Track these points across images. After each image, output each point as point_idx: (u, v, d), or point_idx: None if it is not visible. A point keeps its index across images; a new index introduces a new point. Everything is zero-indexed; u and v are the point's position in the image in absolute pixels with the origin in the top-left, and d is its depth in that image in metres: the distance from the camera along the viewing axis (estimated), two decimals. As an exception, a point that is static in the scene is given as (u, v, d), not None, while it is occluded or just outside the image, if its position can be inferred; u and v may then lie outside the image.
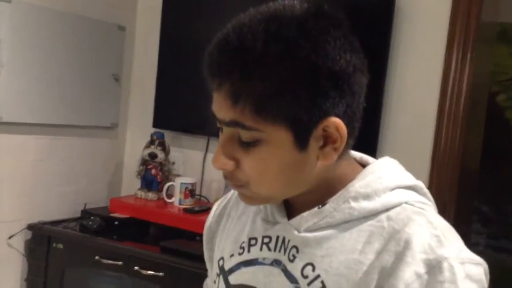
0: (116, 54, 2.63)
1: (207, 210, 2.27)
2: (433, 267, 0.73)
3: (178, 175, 2.53)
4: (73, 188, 2.49)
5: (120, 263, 2.14)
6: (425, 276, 0.72)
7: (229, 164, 0.77)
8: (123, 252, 2.16)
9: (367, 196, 0.80)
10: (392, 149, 2.17)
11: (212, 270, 0.98)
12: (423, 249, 0.74)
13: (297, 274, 0.81)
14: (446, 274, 0.72)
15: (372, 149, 2.12)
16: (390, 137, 2.22)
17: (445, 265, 0.73)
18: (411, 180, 0.84)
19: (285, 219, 0.85)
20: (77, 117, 2.46)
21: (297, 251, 0.82)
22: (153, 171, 2.48)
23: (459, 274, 0.73)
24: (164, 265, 2.08)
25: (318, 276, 0.79)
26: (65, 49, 2.35)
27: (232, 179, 0.79)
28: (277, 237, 0.85)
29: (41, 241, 2.27)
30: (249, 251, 0.87)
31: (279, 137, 0.75)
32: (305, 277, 0.80)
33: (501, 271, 3.05)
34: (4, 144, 2.19)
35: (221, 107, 0.76)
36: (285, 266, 0.82)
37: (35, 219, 2.31)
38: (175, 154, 2.58)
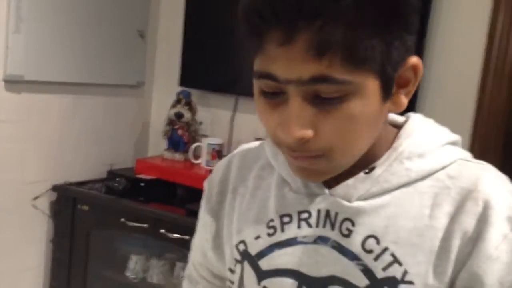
0: (142, 9, 2.52)
1: (234, 171, 2.19)
2: None
3: (205, 136, 2.45)
4: (98, 148, 2.44)
5: (145, 225, 2.09)
6: (510, 235, 0.68)
7: (309, 132, 0.65)
8: (149, 214, 2.11)
9: (421, 155, 0.72)
10: (431, 109, 2.03)
11: (220, 258, 0.86)
12: (504, 207, 0.69)
13: (357, 249, 0.71)
14: None
15: (410, 109, 1.98)
16: (429, 96, 2.08)
17: None
18: (453, 135, 0.77)
19: (326, 190, 0.74)
20: (101, 75, 2.38)
21: (353, 224, 0.72)
22: (179, 131, 2.40)
23: None
24: (190, 228, 2.01)
25: (386, 249, 0.70)
26: (88, 4, 2.26)
27: (308, 150, 0.67)
28: (319, 211, 0.74)
29: (66, 203, 2.24)
30: (282, 230, 0.76)
31: (368, 88, 0.64)
32: (369, 251, 0.70)
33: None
34: (27, 103, 2.13)
35: (296, 63, 0.63)
36: (337, 243, 0.72)
37: (60, 180, 2.27)
38: (202, 113, 2.49)
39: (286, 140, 0.66)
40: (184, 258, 2.21)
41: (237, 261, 0.80)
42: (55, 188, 2.25)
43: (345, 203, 0.72)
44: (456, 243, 0.68)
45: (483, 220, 0.68)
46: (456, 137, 0.77)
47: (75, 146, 2.34)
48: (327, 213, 0.73)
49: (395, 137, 0.74)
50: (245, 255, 0.79)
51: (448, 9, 2.06)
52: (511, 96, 1.96)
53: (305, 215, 0.75)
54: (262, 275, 0.76)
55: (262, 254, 0.77)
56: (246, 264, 0.78)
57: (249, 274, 0.78)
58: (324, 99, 0.64)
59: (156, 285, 2.20)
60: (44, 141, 2.22)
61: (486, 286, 0.67)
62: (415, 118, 0.77)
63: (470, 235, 0.68)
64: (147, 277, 2.22)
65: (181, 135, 2.41)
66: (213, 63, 2.43)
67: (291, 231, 0.75)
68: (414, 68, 0.69)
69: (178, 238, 2.03)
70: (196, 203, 2.33)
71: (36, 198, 2.22)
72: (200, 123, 2.49)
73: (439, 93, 2.08)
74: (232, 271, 0.81)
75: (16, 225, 2.17)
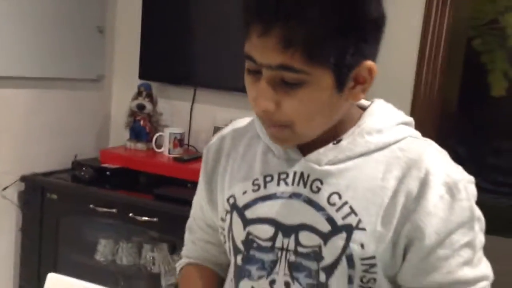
0: (100, 6, 2.62)
1: (196, 158, 2.34)
2: (451, 189, 0.85)
3: (166, 126, 2.58)
4: (63, 140, 2.53)
5: (114, 210, 2.21)
6: (446, 196, 0.85)
7: (271, 106, 0.83)
8: (117, 200, 2.23)
9: (379, 131, 0.91)
10: (374, 93, 2.23)
11: (214, 211, 1.04)
12: (442, 174, 0.86)
13: (323, 202, 0.89)
14: (463, 193, 0.86)
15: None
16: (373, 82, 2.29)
17: (460, 186, 0.86)
18: (407, 117, 0.96)
19: (301, 156, 0.93)
20: (63, 70, 2.47)
21: (321, 183, 0.90)
22: (141, 122, 2.52)
23: (469, 193, 0.87)
24: (158, 211, 2.16)
25: (345, 203, 0.88)
26: (48, 1, 2.34)
27: (272, 120, 0.85)
28: (295, 173, 0.92)
29: (35, 192, 2.33)
30: (265, 187, 0.94)
31: (322, 80, 0.81)
32: (332, 204, 0.88)
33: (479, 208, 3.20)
34: (-7, 98, 2.21)
35: (268, 52, 0.81)
36: (308, 198, 0.90)
37: (27, 171, 2.36)
38: (162, 105, 2.62)
39: (256, 110, 0.86)
40: (150, 240, 2.36)
41: (227, 211, 0.98)
42: (23, 178, 2.34)
43: (316, 166, 0.91)
44: (401, 200, 0.86)
45: (424, 184, 0.85)
46: (409, 119, 0.97)
47: (40, 138, 2.43)
48: (301, 174, 0.92)
49: (360, 117, 0.93)
50: (234, 207, 0.97)
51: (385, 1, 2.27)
52: (444, 84, 2.19)
53: (283, 176, 0.93)
54: (247, 222, 0.95)
55: (247, 205, 0.95)
56: (235, 214, 0.97)
57: (237, 222, 0.96)
58: (287, 83, 0.82)
59: (125, 266, 2.32)
60: (10, 134, 2.30)
61: (425, 235, 0.85)
62: (377, 102, 0.96)
63: (413, 195, 0.85)
64: (116, 259, 2.34)
65: (143, 125, 2.53)
66: (172, 56, 2.56)
67: (272, 188, 0.94)
68: (370, 70, 0.85)
69: (146, 221, 2.16)
70: (162, 188, 2.47)
71: (4, 188, 2.29)
72: (161, 114, 2.61)
73: (380, 78, 2.28)
74: (223, 219, 1.00)
75: (-14, 215, 2.25)
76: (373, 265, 0.87)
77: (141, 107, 2.49)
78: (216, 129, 2.49)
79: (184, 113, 2.62)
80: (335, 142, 0.91)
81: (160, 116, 2.60)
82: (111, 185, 2.34)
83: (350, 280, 0.89)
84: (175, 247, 2.29)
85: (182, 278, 1.12)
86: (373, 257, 0.87)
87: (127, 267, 2.32)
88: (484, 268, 0.89)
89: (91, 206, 2.23)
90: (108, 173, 2.38)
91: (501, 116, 3.22)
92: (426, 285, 0.87)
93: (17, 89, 2.29)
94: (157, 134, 2.48)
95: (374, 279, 0.88)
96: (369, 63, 0.85)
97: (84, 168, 2.37)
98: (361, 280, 0.89)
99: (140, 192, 2.34)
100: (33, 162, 2.39)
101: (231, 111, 2.47)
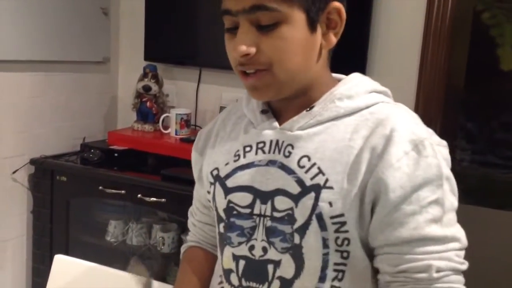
0: (103, -12, 2.62)
1: (203, 138, 2.35)
2: (417, 145, 0.87)
3: (173, 107, 2.59)
4: (70, 123, 2.55)
5: (123, 191, 2.23)
6: (412, 153, 0.86)
7: (251, 49, 0.88)
8: (125, 181, 2.25)
9: (350, 97, 0.94)
10: (380, 70, 2.23)
11: (203, 187, 1.08)
12: (408, 132, 0.88)
13: (293, 166, 0.92)
14: (429, 150, 0.87)
15: (361, 71, 2.17)
16: (378, 59, 2.27)
17: (426, 143, 0.87)
18: (381, 87, 0.98)
19: (277, 124, 0.96)
20: (68, 53, 2.48)
21: (292, 148, 0.93)
22: (148, 104, 2.53)
23: (436, 151, 0.88)
24: (166, 191, 2.18)
25: (314, 164, 0.91)
26: (52, -16, 2.35)
27: (253, 64, 0.89)
28: (271, 141, 0.96)
29: (44, 175, 2.35)
30: (244, 156, 0.98)
31: (295, 17, 0.87)
32: (302, 167, 0.92)
33: (487, 183, 3.19)
34: (0, 82, 2.22)
35: None
36: (281, 163, 0.93)
37: (36, 154, 2.38)
38: (168, 86, 2.63)
39: (236, 55, 0.89)
40: (160, 221, 2.38)
41: (211, 183, 1.02)
42: (33, 161, 2.36)
43: (288, 132, 0.95)
44: (366, 156, 0.88)
45: (388, 140, 0.87)
46: (383, 89, 0.98)
47: (48, 121, 2.45)
48: (277, 142, 0.95)
49: (333, 86, 0.96)
50: (216, 178, 1.01)
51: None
52: (450, 53, 2.17)
53: (261, 145, 0.97)
54: (227, 191, 0.99)
55: (228, 175, 0.99)
56: (217, 184, 1.01)
57: (219, 191, 1.00)
58: (262, 26, 0.87)
59: (135, 247, 2.35)
60: (19, 117, 2.32)
61: (389, 189, 0.86)
62: (354, 74, 0.99)
63: (378, 151, 0.87)
64: (127, 239, 2.37)
65: (149, 107, 2.54)
66: (176, 37, 2.56)
67: (250, 157, 0.97)
68: (338, 12, 0.90)
69: (154, 202, 2.19)
70: (169, 169, 2.49)
71: (14, 172, 2.32)
72: (167, 95, 2.62)
73: (387, 54, 2.28)
74: (209, 192, 1.04)
75: (-3, 198, 2.28)
76: (343, 223, 0.89)
77: (147, 89, 2.50)
78: (222, 109, 2.49)
79: (190, 93, 2.62)
80: (308, 109, 0.94)
81: (166, 97, 2.61)
82: (119, 167, 2.36)
83: (325, 244, 0.90)
84: (185, 227, 2.31)
85: (182, 261, 1.17)
86: (341, 215, 0.89)
87: (137, 247, 2.35)
88: (455, 230, 0.89)
89: (100, 187, 2.26)
90: (116, 154, 2.40)
91: (510, 90, 3.19)
92: (393, 241, 0.87)
93: (24, 72, 2.30)
94: (164, 115, 2.49)
95: (348, 240, 0.90)
96: (336, 3, 0.90)
97: (92, 150, 2.39)
98: (336, 243, 0.90)
99: (148, 173, 2.36)
100: (42, 145, 2.41)
101: (237, 90, 2.47)
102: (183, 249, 1.19)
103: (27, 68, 2.31)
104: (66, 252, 2.33)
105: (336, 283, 0.91)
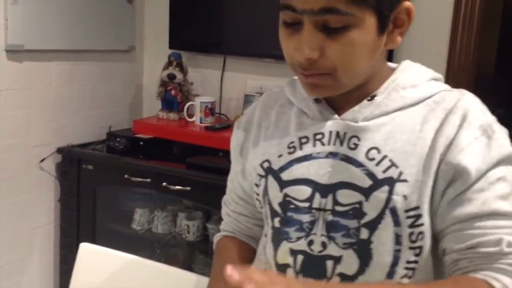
0: (127, -24, 2.62)
1: (227, 127, 2.34)
2: (486, 130, 0.86)
3: (197, 95, 2.59)
4: (96, 111, 2.57)
5: (148, 180, 2.24)
6: (482, 138, 0.86)
7: (315, 53, 0.83)
8: (151, 169, 2.26)
9: (414, 86, 0.91)
10: (408, 54, 2.18)
11: (246, 180, 1.04)
12: (477, 118, 0.88)
13: (361, 158, 0.89)
14: (498, 133, 0.87)
15: (388, 56, 2.13)
16: (406, 46, 2.22)
17: (495, 127, 0.87)
18: (437, 74, 0.96)
19: (336, 115, 0.93)
20: (94, 42, 2.49)
21: (359, 139, 0.90)
22: (172, 92, 2.53)
23: (504, 133, 0.88)
24: (191, 180, 2.18)
25: (385, 157, 0.88)
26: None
27: (316, 68, 0.85)
28: (330, 132, 0.92)
29: (71, 163, 2.38)
30: (301, 148, 0.94)
31: (366, 21, 0.82)
32: (371, 159, 0.88)
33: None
34: (27, 71, 2.24)
35: None
36: (345, 155, 0.90)
37: (63, 143, 2.41)
38: (192, 74, 2.62)
39: (299, 59, 0.85)
40: (185, 209, 2.39)
41: (261, 176, 0.98)
42: (60, 150, 2.39)
43: (353, 124, 0.91)
44: (440, 147, 0.86)
45: (459, 128, 0.86)
46: (439, 75, 0.96)
47: (74, 110, 2.47)
48: (337, 133, 0.92)
49: (390, 74, 0.93)
50: (269, 171, 0.97)
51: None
52: (480, 40, 2.12)
53: (319, 136, 0.93)
54: (283, 184, 0.94)
55: (283, 168, 0.95)
56: (270, 177, 0.96)
57: (273, 185, 0.96)
58: (331, 28, 0.82)
59: (160, 235, 2.36)
60: (46, 106, 2.34)
61: (464, 172, 0.84)
62: (406, 61, 0.96)
63: (450, 140, 0.86)
64: (152, 227, 2.38)
65: (174, 95, 2.54)
66: (201, 25, 2.55)
67: (308, 149, 0.93)
68: (408, 11, 0.86)
69: (179, 190, 2.19)
70: (194, 157, 2.49)
71: (42, 160, 2.35)
72: (191, 83, 2.62)
73: (415, 41, 2.23)
74: (257, 185, 1.00)
75: (25, 186, 2.31)
76: (418, 217, 0.87)
77: (171, 77, 2.50)
78: (247, 97, 2.49)
79: (214, 81, 2.62)
80: (369, 98, 0.91)
81: (191, 86, 2.60)
82: (144, 155, 2.37)
83: (398, 240, 0.87)
84: (210, 215, 2.32)
85: (216, 250, 1.13)
86: (417, 208, 0.86)
87: (163, 235, 2.36)
88: None
89: (126, 176, 2.27)
90: (141, 143, 2.41)
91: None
92: (462, 218, 0.85)
93: (49, 62, 2.32)
94: (188, 104, 2.49)
95: (423, 234, 0.88)
96: (407, 3, 0.86)
97: (118, 139, 2.41)
98: (410, 239, 0.87)
99: (173, 161, 2.36)
100: (69, 134, 2.44)
101: (262, 78, 2.46)
102: (216, 238, 1.15)
103: (53, 57, 2.33)
104: (93, 240, 2.36)
105: (405, 280, 0.89)
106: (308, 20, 0.82)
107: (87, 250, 1.30)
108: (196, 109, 2.47)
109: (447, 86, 0.95)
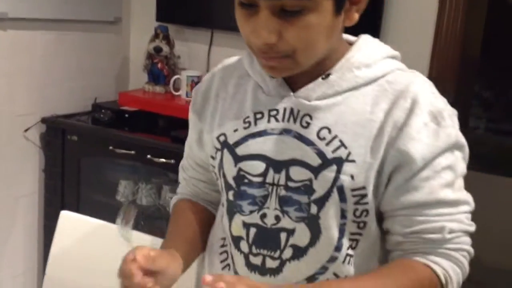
0: None
1: (213, 101, 2.34)
2: (436, 117, 0.88)
3: (184, 69, 2.58)
4: (82, 83, 2.55)
5: (133, 152, 2.24)
6: (431, 124, 0.87)
7: (273, 37, 0.83)
8: (135, 142, 2.26)
9: (368, 65, 0.91)
10: (395, 35, 2.19)
11: (203, 151, 1.05)
12: (427, 103, 0.88)
13: (313, 137, 0.91)
14: (448, 120, 0.88)
15: (375, 35, 2.14)
16: (393, 23, 2.23)
17: (445, 114, 0.89)
18: (393, 51, 0.96)
19: (290, 92, 0.93)
20: (80, 12, 2.46)
21: (310, 118, 0.91)
22: (159, 65, 2.52)
23: (454, 121, 0.90)
24: (175, 153, 2.18)
25: (335, 137, 0.90)
26: None
27: (274, 52, 0.85)
28: (285, 109, 0.93)
29: (56, 134, 2.37)
30: (255, 124, 0.95)
31: (323, 3, 0.82)
32: (322, 139, 0.90)
33: (501, 150, 3.16)
34: (12, 40, 2.22)
35: None
36: (297, 133, 0.91)
37: (48, 113, 2.39)
38: (180, 48, 2.61)
39: (257, 43, 0.85)
40: (170, 182, 2.40)
41: (217, 149, 1.00)
42: (44, 120, 2.38)
43: (306, 102, 0.92)
44: (388, 130, 0.88)
45: (409, 112, 0.88)
46: (396, 53, 0.96)
47: (60, 80, 2.45)
48: (291, 110, 0.93)
49: (347, 51, 0.93)
50: (224, 144, 0.98)
51: None
52: (466, 20, 2.12)
53: (274, 112, 0.94)
54: (238, 159, 0.97)
55: (238, 143, 0.96)
56: (225, 151, 0.98)
57: (228, 159, 0.98)
58: (287, 12, 0.82)
59: (145, 207, 2.37)
60: (30, 76, 2.33)
61: (411, 159, 0.87)
62: (364, 37, 0.96)
63: (399, 124, 0.88)
64: (136, 200, 2.39)
65: (160, 68, 2.53)
66: (189, -2, 2.53)
67: (262, 124, 0.95)
68: None
69: (164, 163, 2.20)
70: (179, 131, 2.49)
71: (26, 130, 2.34)
72: (178, 57, 2.61)
73: (401, 20, 2.23)
74: (213, 157, 1.01)
75: (9, 155, 2.30)
76: (363, 196, 0.90)
77: (158, 50, 2.49)
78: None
79: (201, 55, 2.60)
80: (323, 76, 0.92)
81: (178, 59, 2.59)
82: (129, 128, 2.37)
83: (343, 214, 0.91)
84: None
85: (173, 212, 1.14)
86: (363, 188, 0.89)
87: (147, 207, 2.38)
88: (465, 194, 0.92)
89: (110, 147, 2.27)
90: (126, 115, 2.41)
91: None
92: (408, 205, 0.89)
93: (34, 31, 2.30)
94: (175, 77, 2.48)
95: (367, 211, 0.91)
96: None
97: (103, 111, 2.40)
98: (354, 214, 0.91)
99: (158, 134, 2.37)
100: (53, 104, 2.42)
101: (249, 53, 2.45)
102: (172, 201, 1.16)
103: (38, 26, 2.31)
104: (77, 210, 2.35)
105: (350, 252, 0.93)
106: (265, 5, 0.82)
107: (67, 218, 1.31)
108: (182, 82, 2.46)
109: (402, 65, 0.95)
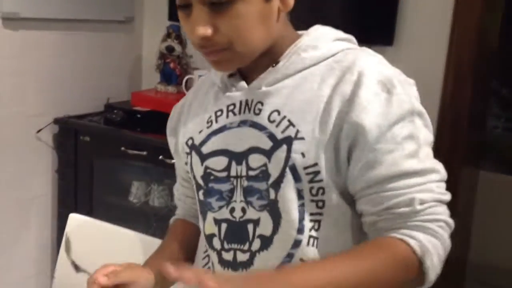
0: None
1: (226, 100, 2.32)
2: (386, 85, 0.87)
3: (196, 68, 2.55)
4: (94, 83, 2.54)
5: (145, 153, 2.23)
6: (382, 93, 0.87)
7: (208, 30, 0.85)
8: (147, 142, 2.24)
9: (314, 47, 0.93)
10: (411, 29, 2.14)
11: (180, 160, 1.07)
12: (375, 73, 0.89)
13: (264, 122, 0.92)
14: (398, 88, 0.87)
15: (391, 31, 2.10)
16: (409, 18, 2.19)
17: (395, 81, 0.88)
18: (345, 34, 0.97)
19: (245, 84, 0.96)
20: (92, 11, 2.45)
21: (262, 104, 0.93)
22: (171, 65, 2.50)
23: (406, 89, 0.88)
24: (187, 153, 2.16)
25: (284, 117, 0.91)
26: None
27: (213, 46, 0.87)
28: (240, 102, 0.96)
29: (68, 134, 2.37)
30: (216, 121, 0.98)
31: None
32: (272, 121, 0.91)
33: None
34: (23, 40, 2.22)
35: None
36: (252, 121, 0.93)
37: (60, 113, 2.39)
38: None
39: (195, 39, 0.87)
40: (182, 183, 2.37)
41: (187, 153, 1.02)
42: (57, 121, 2.37)
43: (257, 90, 0.94)
44: (336, 104, 0.88)
45: (357, 85, 0.87)
46: (347, 36, 0.97)
47: (72, 81, 2.44)
48: (246, 101, 0.95)
49: (298, 39, 0.95)
50: (192, 147, 1.01)
51: None
52: (483, 16, 2.07)
53: (231, 107, 0.96)
54: (203, 157, 0.98)
55: (203, 142, 0.99)
56: (193, 153, 1.00)
57: (195, 160, 1.00)
58: (217, 4, 0.84)
59: (157, 208, 2.36)
60: (42, 76, 2.32)
61: (366, 130, 0.85)
62: (316, 26, 0.98)
63: (347, 98, 0.87)
64: (149, 201, 2.38)
65: (173, 68, 2.51)
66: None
67: (222, 121, 0.97)
68: None
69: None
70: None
71: (39, 131, 2.34)
72: (191, 56, 2.58)
73: (417, 16, 2.19)
74: (186, 163, 1.03)
75: (22, 157, 2.30)
76: (317, 173, 0.89)
77: (170, 49, 2.47)
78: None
79: (214, 55, 2.57)
80: (273, 65, 0.94)
81: (190, 59, 2.57)
82: (142, 128, 2.35)
83: (300, 195, 0.90)
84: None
85: (166, 233, 1.17)
86: (315, 164, 0.89)
87: (159, 209, 2.36)
88: (433, 162, 0.89)
89: (123, 148, 2.25)
90: (138, 116, 2.39)
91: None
92: (373, 181, 0.87)
93: (46, 31, 2.29)
94: (187, 77, 2.46)
95: (323, 189, 0.89)
96: None
97: (115, 111, 2.39)
98: (311, 193, 0.90)
99: (170, 135, 2.34)
100: (66, 105, 2.42)
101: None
102: (170, 222, 1.20)
103: (50, 26, 2.30)
104: (90, 212, 2.36)
105: (313, 233, 0.91)
106: (195, 1, 0.85)
107: (75, 221, 1.30)
108: (194, 82, 2.43)
109: (351, 45, 0.95)
